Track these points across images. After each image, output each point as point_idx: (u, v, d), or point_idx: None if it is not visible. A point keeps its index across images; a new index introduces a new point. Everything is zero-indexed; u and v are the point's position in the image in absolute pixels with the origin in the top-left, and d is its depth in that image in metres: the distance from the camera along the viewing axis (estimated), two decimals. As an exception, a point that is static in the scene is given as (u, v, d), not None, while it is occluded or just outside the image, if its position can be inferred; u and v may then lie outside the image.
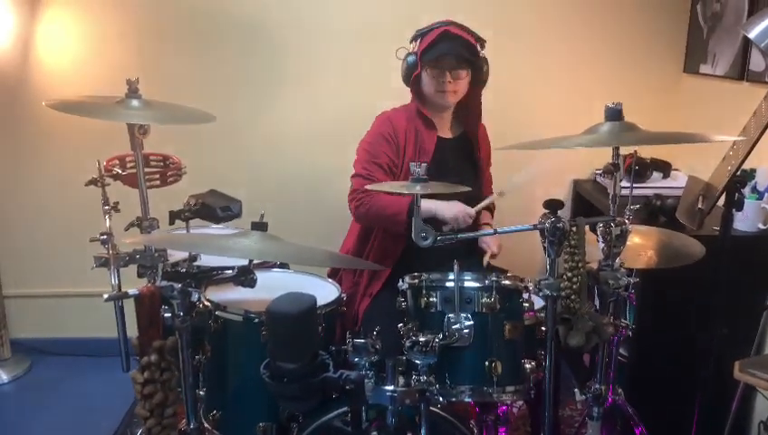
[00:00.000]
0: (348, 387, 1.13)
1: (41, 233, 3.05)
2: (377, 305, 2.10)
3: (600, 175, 2.89)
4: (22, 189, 3.02)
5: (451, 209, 2.04)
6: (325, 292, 1.92)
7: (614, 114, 1.46)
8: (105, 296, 1.31)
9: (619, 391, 1.83)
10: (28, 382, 2.93)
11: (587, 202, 2.88)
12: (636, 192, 2.65)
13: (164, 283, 1.33)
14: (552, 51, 2.93)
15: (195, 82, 2.89)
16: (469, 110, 2.28)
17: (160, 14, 2.86)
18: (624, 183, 2.70)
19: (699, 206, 1.81)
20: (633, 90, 2.93)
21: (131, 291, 1.37)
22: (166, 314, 1.37)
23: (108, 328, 1.83)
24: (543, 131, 2.85)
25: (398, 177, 2.17)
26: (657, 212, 2.33)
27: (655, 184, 2.68)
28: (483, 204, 2.14)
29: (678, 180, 2.73)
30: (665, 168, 2.77)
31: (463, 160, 2.29)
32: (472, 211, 2.05)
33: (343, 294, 1.93)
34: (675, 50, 2.92)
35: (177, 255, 1.88)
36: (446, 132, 2.27)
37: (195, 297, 1.36)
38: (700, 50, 2.74)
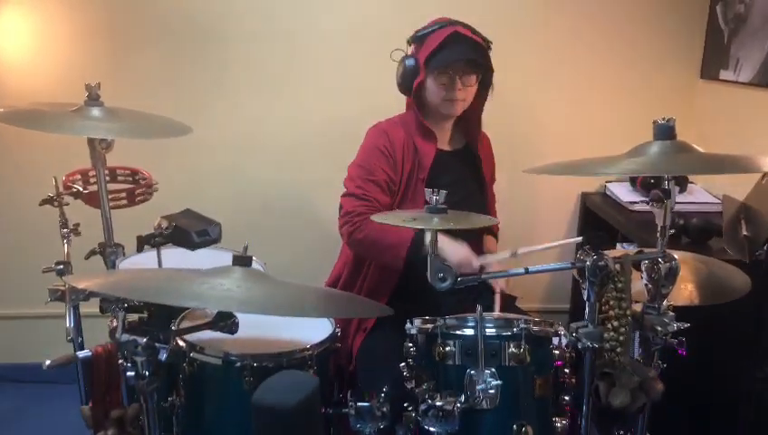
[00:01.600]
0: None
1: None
2: (372, 342, 1.89)
3: (648, 203, 2.67)
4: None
5: (456, 254, 1.74)
6: (318, 326, 1.70)
7: (665, 132, 1.23)
8: (47, 363, 1.06)
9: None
10: (-13, 412, 2.71)
11: (596, 216, 2.69)
12: (647, 207, 2.50)
13: (126, 337, 1.09)
14: (558, 56, 2.75)
15: (167, 86, 2.64)
16: (471, 120, 2.06)
17: (128, 12, 2.60)
18: (635, 197, 2.55)
19: (744, 232, 1.61)
20: (643, 97, 2.77)
21: (82, 353, 1.11)
22: (128, 373, 1.13)
23: (68, 350, 1.67)
24: (551, 139, 2.74)
25: (395, 195, 1.94)
26: (680, 232, 2.13)
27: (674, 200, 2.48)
28: (490, 259, 1.86)
29: (695, 195, 2.56)
30: (681, 181, 2.57)
31: (465, 176, 2.05)
32: (477, 264, 1.74)
33: (337, 329, 1.70)
34: (691, 54, 2.73)
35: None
36: (445, 145, 2.05)
37: (163, 356, 1.11)
38: (720, 54, 2.56)
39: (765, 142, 2.26)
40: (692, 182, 2.68)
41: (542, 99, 2.77)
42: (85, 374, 1.21)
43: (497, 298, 1.90)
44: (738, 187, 1.81)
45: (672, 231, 1.48)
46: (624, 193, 2.62)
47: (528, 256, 1.63)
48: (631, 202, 2.51)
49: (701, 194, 2.56)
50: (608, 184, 2.77)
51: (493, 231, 2.22)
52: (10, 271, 2.80)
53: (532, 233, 2.83)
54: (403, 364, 1.41)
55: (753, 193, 1.75)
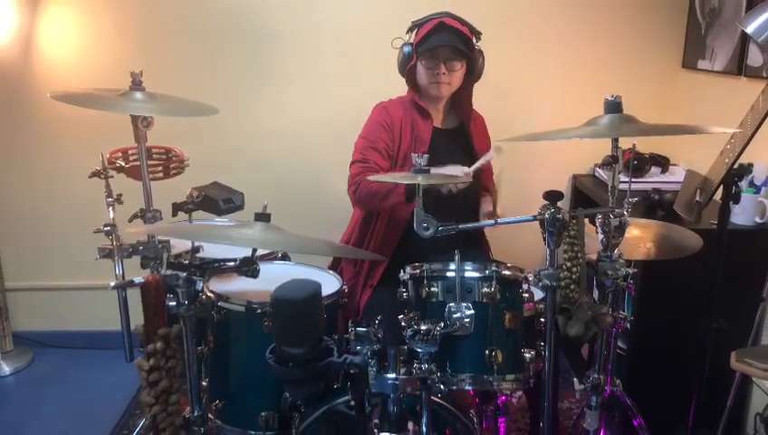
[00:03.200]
0: (351, 371, 1.14)
1: (43, 225, 3.06)
2: (378, 297, 2.12)
3: (599, 168, 2.91)
4: (25, 182, 3.03)
5: (449, 169, 2.00)
6: (327, 283, 1.90)
7: (613, 107, 1.48)
8: (112, 284, 1.33)
9: (618, 382, 1.84)
10: (30, 375, 2.95)
11: (586, 197, 2.90)
12: (635, 187, 2.67)
13: (168, 272, 1.35)
14: (550, 44, 2.95)
15: (197, 75, 2.91)
16: (462, 101, 2.29)
17: (162, 9, 2.87)
18: (623, 177, 2.76)
19: (697, 199, 1.83)
20: (631, 84, 2.95)
21: (137, 279, 1.38)
22: (170, 303, 1.39)
23: (109, 321, 1.85)
24: (542, 125, 2.93)
25: (394, 165, 2.19)
26: (655, 206, 2.35)
27: (653, 179, 2.71)
28: (480, 162, 2.10)
29: (677, 175, 2.76)
30: (663, 162, 2.79)
31: (459, 151, 2.29)
32: (469, 171, 2.01)
33: (344, 286, 1.93)
34: (673, 45, 2.93)
35: (179, 247, 1.91)
36: (441, 123, 2.29)
37: (199, 286, 1.37)
38: (698, 45, 2.76)
39: (736, 125, 2.47)
40: (674, 164, 2.89)
41: (530, 86, 2.97)
42: (141, 298, 1.44)
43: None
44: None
45: (635, 199, 1.73)
46: (610, 174, 2.82)
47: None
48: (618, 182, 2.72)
49: (681, 174, 2.76)
50: (596, 167, 2.99)
51: (489, 190, 2.44)
52: (54, 244, 3.06)
53: (527, 210, 3.04)
54: (401, 317, 1.59)
55: (712, 167, 1.98)
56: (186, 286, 1.36)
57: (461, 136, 2.31)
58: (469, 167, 2.28)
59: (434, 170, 1.96)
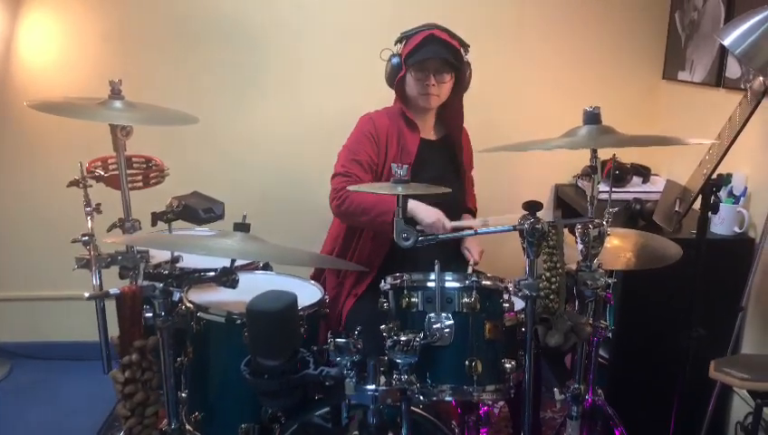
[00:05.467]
0: (327, 383, 1.13)
1: (21, 235, 3.02)
2: (361, 306, 2.11)
3: (579, 178, 2.93)
4: (2, 191, 3.00)
5: (429, 216, 2.02)
6: (308, 293, 1.91)
7: (592, 118, 1.49)
8: (86, 295, 1.31)
9: (599, 391, 1.85)
10: (8, 386, 2.90)
11: (568, 206, 2.91)
12: (615, 196, 2.69)
13: (145, 283, 1.33)
14: (531, 56, 2.97)
15: (177, 83, 2.90)
16: (451, 113, 2.30)
17: (143, 17, 2.86)
18: (604, 187, 2.79)
19: (676, 208, 1.85)
20: (612, 95, 2.98)
21: (113, 290, 1.37)
22: (147, 314, 1.37)
23: (88, 332, 1.82)
24: (525, 135, 2.94)
25: (379, 176, 2.18)
26: (636, 216, 2.37)
27: (635, 189, 2.73)
28: (461, 223, 2.12)
29: (658, 185, 2.77)
30: (644, 172, 2.82)
31: (445, 162, 2.31)
32: (449, 225, 2.02)
33: (326, 296, 1.93)
34: (654, 57, 2.97)
35: (159, 257, 1.89)
36: (428, 134, 2.30)
37: (176, 297, 1.36)
38: (678, 57, 2.79)
39: (715, 136, 2.49)
40: (656, 174, 2.92)
41: (513, 97, 2.99)
42: (117, 309, 1.43)
43: (470, 268, 2.13)
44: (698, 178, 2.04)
45: (616, 209, 1.74)
46: (590, 185, 2.83)
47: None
48: (598, 192, 2.73)
49: (662, 183, 2.78)
50: (576, 178, 3.01)
51: (471, 211, 2.46)
52: (32, 254, 3.02)
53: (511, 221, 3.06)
54: (383, 326, 1.58)
55: (691, 177, 2.00)
56: (163, 297, 1.35)
57: (448, 147, 2.32)
58: (457, 179, 2.28)
59: (417, 206, 2.01)
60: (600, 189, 2.72)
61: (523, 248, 1.46)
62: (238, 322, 1.73)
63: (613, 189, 2.75)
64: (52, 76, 2.88)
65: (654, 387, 2.13)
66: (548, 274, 1.43)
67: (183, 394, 1.83)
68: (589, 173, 1.54)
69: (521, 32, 2.95)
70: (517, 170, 3.06)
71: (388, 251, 2.16)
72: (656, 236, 1.92)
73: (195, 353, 1.83)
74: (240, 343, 1.71)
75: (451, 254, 2.21)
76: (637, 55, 2.98)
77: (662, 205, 1.90)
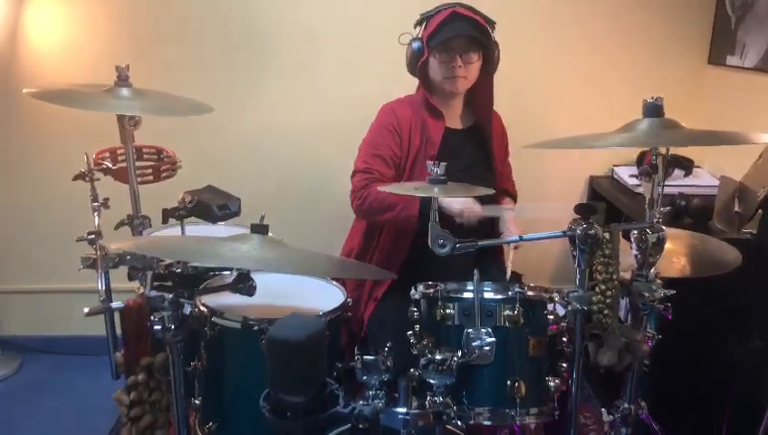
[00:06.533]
0: (361, 426, 0.99)
1: (28, 228, 2.92)
2: (383, 310, 1.98)
3: (637, 177, 2.73)
4: (7, 182, 2.88)
5: (457, 201, 1.85)
6: (330, 296, 1.79)
7: (653, 110, 1.32)
8: (85, 311, 1.18)
9: (643, 404, 1.69)
10: (19, 382, 2.82)
11: (604, 200, 2.74)
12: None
13: (153, 293, 1.20)
14: (564, 38, 2.79)
15: (190, 70, 2.74)
16: (480, 98, 2.13)
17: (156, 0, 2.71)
18: (640, 181, 2.61)
19: (736, 209, 1.68)
20: (653, 81, 2.79)
21: (116, 304, 1.23)
22: (155, 327, 1.24)
23: (100, 326, 1.75)
24: (559, 124, 2.79)
25: (402, 171, 2.03)
26: (682, 213, 2.21)
27: (676, 182, 2.54)
28: (495, 212, 1.96)
29: (701, 178, 2.60)
30: (687, 165, 2.63)
31: (475, 153, 2.14)
32: (479, 211, 1.86)
33: (349, 299, 1.79)
34: (699, 40, 2.77)
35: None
36: (455, 123, 2.13)
37: (187, 310, 1.22)
38: (727, 40, 2.60)
39: (768, 125, 2.32)
40: (698, 166, 2.73)
41: (548, 83, 2.81)
42: (120, 323, 1.30)
43: (511, 254, 1.96)
44: (744, 169, 1.87)
45: (668, 208, 1.57)
46: (629, 176, 2.68)
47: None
48: (636, 185, 2.57)
49: (706, 177, 2.61)
50: (615, 168, 2.83)
51: (512, 194, 2.29)
52: (42, 246, 2.91)
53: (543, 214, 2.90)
54: (410, 332, 1.49)
55: (749, 173, 1.82)
56: (172, 309, 1.21)
57: (477, 136, 2.14)
58: (488, 171, 2.12)
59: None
60: (637, 183, 2.62)
61: (573, 256, 1.30)
62: (255, 328, 1.62)
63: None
64: (59, 61, 2.74)
65: (700, 400, 1.98)
66: (603, 286, 1.28)
67: (197, 401, 1.73)
68: (649, 172, 1.37)
69: (551, 13, 2.76)
70: (547, 161, 2.89)
71: (409, 249, 2.02)
72: (711, 239, 1.75)
73: (209, 360, 1.72)
74: (257, 350, 1.60)
75: (481, 251, 2.06)
76: (679, 38, 2.79)
77: (720, 205, 1.73)
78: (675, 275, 1.62)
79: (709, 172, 2.65)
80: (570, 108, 2.81)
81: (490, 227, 2.02)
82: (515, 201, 2.29)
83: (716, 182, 2.56)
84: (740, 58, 2.51)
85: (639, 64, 2.80)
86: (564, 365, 1.50)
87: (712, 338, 1.93)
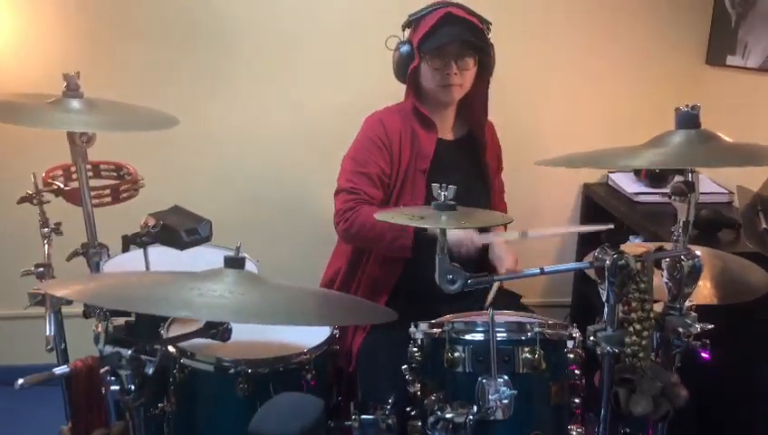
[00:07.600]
0: None
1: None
2: (372, 341, 1.81)
3: (669, 197, 2.60)
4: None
5: (455, 232, 1.70)
6: (315, 329, 1.60)
7: (688, 120, 1.15)
8: (19, 383, 0.97)
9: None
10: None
11: (599, 208, 2.61)
12: (654, 199, 2.41)
13: (108, 349, 0.99)
14: (559, 40, 2.65)
15: (152, 76, 2.52)
16: (474, 106, 1.97)
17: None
18: (640, 188, 2.47)
19: (764, 226, 1.53)
20: (647, 83, 2.69)
21: (59, 370, 1.02)
22: (113, 387, 1.03)
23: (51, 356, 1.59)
24: (552, 130, 2.65)
25: (391, 189, 1.86)
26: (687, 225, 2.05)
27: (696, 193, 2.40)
28: (494, 239, 1.83)
29: (702, 185, 2.43)
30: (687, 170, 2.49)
31: (468, 166, 1.97)
32: (479, 241, 1.73)
33: (336, 331, 1.61)
34: (695, 39, 2.65)
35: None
36: (447, 133, 1.97)
37: (149, 370, 1.01)
38: (727, 39, 2.48)
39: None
40: (695, 171, 2.59)
41: (542, 87, 2.68)
42: (66, 390, 1.09)
43: (494, 287, 1.79)
44: (746, 176, 1.73)
45: (696, 232, 1.40)
46: (628, 183, 2.54)
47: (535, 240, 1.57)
48: (636, 193, 2.43)
49: (707, 184, 2.48)
50: (610, 174, 2.70)
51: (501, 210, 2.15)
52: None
53: (534, 224, 2.75)
54: (405, 367, 1.35)
55: (766, 183, 1.68)
56: (131, 368, 1.00)
57: (470, 147, 1.98)
58: (483, 185, 1.97)
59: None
60: (636, 191, 2.48)
61: (600, 289, 1.13)
62: (231, 371, 1.44)
63: (651, 190, 2.50)
64: (4, 68, 2.49)
65: (724, 428, 1.83)
66: (638, 325, 1.10)
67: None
68: (683, 192, 1.21)
69: (545, 12, 2.62)
70: (537, 169, 2.71)
71: (401, 274, 1.85)
72: (735, 258, 1.59)
73: (178, 404, 1.54)
74: (233, 395, 1.44)
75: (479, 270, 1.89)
76: (675, 38, 2.66)
77: (746, 221, 1.58)
78: (701, 303, 1.46)
79: (709, 178, 2.52)
80: (562, 111, 2.68)
81: (482, 254, 1.87)
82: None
83: (720, 189, 2.45)
84: (742, 58, 2.39)
85: (632, 66, 2.68)
86: (577, 401, 1.34)
87: (736, 361, 1.77)
